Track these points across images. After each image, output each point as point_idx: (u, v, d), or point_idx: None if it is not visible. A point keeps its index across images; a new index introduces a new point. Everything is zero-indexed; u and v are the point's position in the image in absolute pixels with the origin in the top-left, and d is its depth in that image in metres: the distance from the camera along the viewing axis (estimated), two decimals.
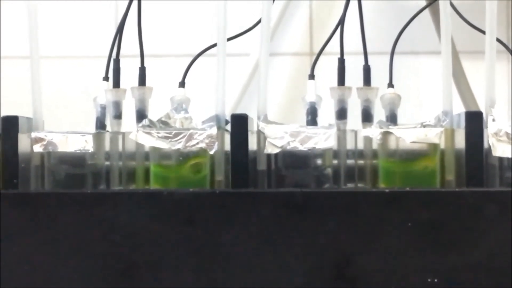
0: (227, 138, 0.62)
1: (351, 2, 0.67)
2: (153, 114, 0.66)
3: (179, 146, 0.62)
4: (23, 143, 0.63)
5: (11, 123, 0.62)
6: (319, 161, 0.64)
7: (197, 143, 0.62)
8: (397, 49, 0.70)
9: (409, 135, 0.62)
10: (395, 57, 0.69)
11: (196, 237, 0.59)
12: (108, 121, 0.68)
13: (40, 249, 0.59)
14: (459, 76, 0.90)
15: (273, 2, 0.67)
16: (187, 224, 0.59)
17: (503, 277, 0.58)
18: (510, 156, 0.61)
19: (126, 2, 0.68)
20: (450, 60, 0.64)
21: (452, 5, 0.65)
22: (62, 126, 0.66)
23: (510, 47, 0.72)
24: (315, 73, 0.68)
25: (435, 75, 0.65)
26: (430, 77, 0.70)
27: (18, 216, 0.60)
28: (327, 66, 0.68)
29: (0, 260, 0.59)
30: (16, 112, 0.63)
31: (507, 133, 0.61)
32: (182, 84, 0.69)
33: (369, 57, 0.67)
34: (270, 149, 0.62)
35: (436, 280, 0.58)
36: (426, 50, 0.82)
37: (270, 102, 0.64)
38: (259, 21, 0.66)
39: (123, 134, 0.66)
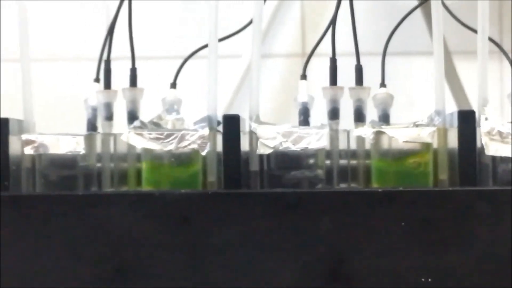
0: (219, 139, 0.62)
1: (343, 2, 0.66)
2: (145, 115, 0.66)
3: (171, 147, 0.62)
4: (14, 145, 0.63)
5: (1, 125, 0.62)
6: (311, 161, 0.63)
7: (189, 144, 0.62)
8: (389, 49, 0.70)
9: (401, 135, 0.62)
10: (387, 57, 0.69)
11: (189, 238, 0.59)
12: (99, 123, 0.68)
13: (32, 251, 0.59)
14: (451, 76, 0.90)
15: (265, 2, 0.66)
16: (180, 225, 0.59)
17: (496, 276, 0.58)
18: (503, 155, 0.61)
19: (117, 3, 0.68)
20: (442, 60, 0.64)
21: (444, 4, 0.65)
22: (53, 128, 0.66)
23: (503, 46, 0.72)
24: (307, 73, 0.68)
25: (428, 75, 0.65)
26: (423, 77, 0.70)
27: (9, 219, 0.59)
28: (320, 67, 0.67)
29: None
30: (11, 115, 0.63)
31: (500, 132, 0.61)
32: (173, 85, 0.69)
33: (361, 58, 0.67)
34: (263, 150, 0.62)
35: (429, 280, 0.58)
36: (418, 51, 0.81)
37: (262, 103, 0.64)
38: (250, 22, 0.66)
39: (115, 135, 0.66)
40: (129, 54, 0.68)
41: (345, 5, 0.66)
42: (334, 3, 0.66)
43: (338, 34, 0.66)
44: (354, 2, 0.66)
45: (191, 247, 0.59)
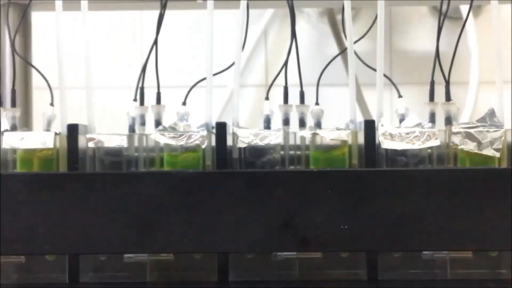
0: (213, 137, 0.63)
1: (292, 51, 0.66)
2: (166, 122, 0.66)
3: (182, 142, 0.63)
4: (81, 142, 0.63)
5: (73, 128, 0.63)
6: (272, 152, 0.64)
7: (194, 141, 0.63)
8: (321, 82, 0.70)
9: (329, 135, 0.63)
10: (320, 87, 0.70)
11: (193, 201, 0.59)
12: (136, 127, 0.69)
13: (93, 210, 0.59)
14: (360, 98, 0.91)
15: (243, 49, 0.67)
16: (187, 193, 0.59)
17: (388, 224, 0.58)
18: (393, 148, 0.61)
19: (148, 47, 0.67)
20: (354, 89, 0.65)
21: (355, 52, 0.66)
22: (107, 130, 0.66)
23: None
24: (269, 97, 0.68)
25: (346, 98, 0.65)
26: (343, 99, 0.71)
27: (78, 189, 0.60)
28: (277, 93, 0.68)
29: (69, 218, 0.59)
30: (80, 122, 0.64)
31: (390, 134, 0.62)
32: (184, 103, 0.70)
33: (304, 87, 0.67)
34: (241, 144, 0.63)
35: (346, 227, 0.59)
36: (340, 83, 0.80)
37: (240, 115, 0.65)
38: (233, 64, 0.66)
39: (146, 135, 0.67)
40: (155, 83, 0.68)
41: (293, 53, 0.67)
42: (287, 51, 0.67)
43: (289, 71, 0.67)
44: (300, 50, 0.67)
45: (195, 207, 0.59)
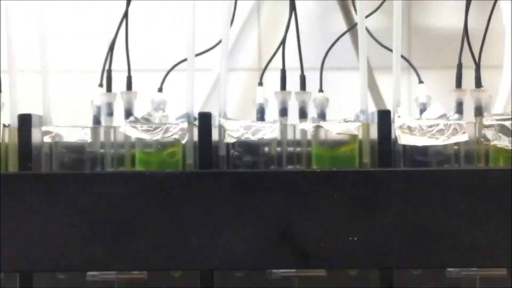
0: (196, 130, 0.63)
1: (290, 27, 0.67)
2: (138, 112, 0.66)
3: (158, 137, 0.63)
4: (36, 135, 0.63)
5: (26, 119, 0.62)
6: (266, 149, 0.64)
7: (172, 135, 0.63)
8: (325, 65, 0.71)
9: (335, 128, 0.63)
10: (324, 71, 0.70)
11: (171, 207, 0.59)
12: (103, 118, 0.69)
13: (48, 218, 0.59)
14: (372, 84, 0.90)
15: (231, 26, 0.67)
16: (164, 198, 0.59)
17: (405, 235, 0.59)
18: (411, 144, 0.62)
19: (116, 22, 0.68)
20: (366, 73, 0.65)
21: (367, 29, 0.66)
22: (66, 122, 0.66)
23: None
24: (264, 82, 0.69)
25: (355, 84, 0.66)
26: (352, 85, 0.71)
27: (30, 192, 0.60)
28: (272, 78, 0.68)
29: (19, 227, 0.59)
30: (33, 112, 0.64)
31: (409, 127, 0.61)
32: (160, 90, 0.70)
33: (304, 72, 0.67)
34: (229, 139, 0.63)
35: (355, 238, 0.59)
36: (348, 66, 0.82)
37: (228, 103, 0.65)
38: (219, 42, 0.67)
39: (114, 128, 0.66)
40: (125, 66, 0.68)
41: (292, 30, 0.67)
42: (285, 24, 0.67)
43: (287, 52, 0.67)
44: (300, 27, 0.67)
45: (173, 215, 0.59)
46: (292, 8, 0.67)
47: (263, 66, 0.69)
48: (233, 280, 0.64)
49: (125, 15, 0.68)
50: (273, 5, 0.99)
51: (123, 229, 0.59)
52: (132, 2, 0.68)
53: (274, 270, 0.63)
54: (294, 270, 0.63)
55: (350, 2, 0.89)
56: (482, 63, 0.66)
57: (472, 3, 0.65)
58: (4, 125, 0.64)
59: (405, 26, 0.97)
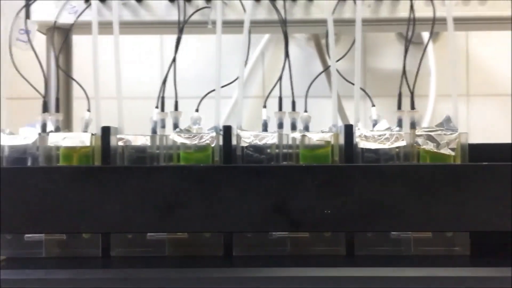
0: (221, 138, 0.63)
1: (286, 67, 0.66)
2: (182, 126, 0.66)
3: (195, 142, 0.63)
4: (113, 141, 0.63)
5: (106, 130, 0.63)
6: (268, 150, 0.63)
7: (205, 141, 0.63)
8: (309, 94, 0.69)
9: (315, 136, 0.63)
10: (308, 98, 0.69)
11: (204, 190, 0.59)
12: (158, 129, 0.68)
13: (121, 198, 0.59)
14: (340, 107, 0.91)
15: (245, 66, 0.67)
16: (200, 183, 0.59)
17: (363, 209, 0.58)
18: (367, 147, 0.61)
19: (167, 64, 0.67)
20: (336, 99, 0.66)
21: (337, 70, 0.65)
22: (134, 132, 0.66)
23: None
24: (267, 105, 0.67)
25: (329, 107, 0.65)
26: (326, 108, 0.70)
27: (109, 180, 0.59)
28: (273, 103, 0.67)
29: (103, 203, 0.58)
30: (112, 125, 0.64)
31: (365, 136, 0.62)
32: (197, 110, 0.69)
33: (295, 98, 0.67)
34: (243, 144, 0.63)
35: (329, 212, 0.58)
36: (324, 95, 0.79)
37: (243, 120, 0.65)
38: (237, 78, 0.67)
39: (166, 136, 0.66)
40: (173, 94, 0.67)
41: (286, 70, 0.67)
42: (281, 68, 0.67)
43: (282, 85, 0.67)
44: (291, 69, 0.67)
45: (206, 195, 0.59)
46: (286, 55, 0.67)
47: (266, 94, 0.68)
48: (246, 239, 0.63)
49: (173, 60, 0.67)
50: (273, 52, 1.03)
51: (172, 205, 0.59)
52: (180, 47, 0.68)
53: (273, 233, 0.62)
54: (287, 233, 0.63)
55: (325, 51, 0.91)
56: (415, 92, 0.66)
57: (409, 50, 0.65)
58: (92, 134, 0.64)
59: (363, 68, 1.01)
